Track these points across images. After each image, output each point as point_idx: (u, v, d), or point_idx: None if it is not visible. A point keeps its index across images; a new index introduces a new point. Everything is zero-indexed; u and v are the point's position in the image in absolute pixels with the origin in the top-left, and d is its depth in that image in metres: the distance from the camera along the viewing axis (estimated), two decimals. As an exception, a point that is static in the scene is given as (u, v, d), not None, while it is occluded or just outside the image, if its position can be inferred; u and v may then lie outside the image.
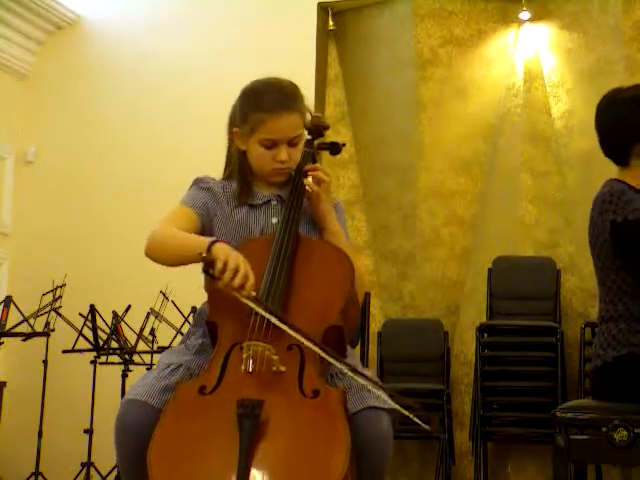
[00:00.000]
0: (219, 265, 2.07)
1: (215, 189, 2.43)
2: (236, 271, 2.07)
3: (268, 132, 2.32)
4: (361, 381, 2.07)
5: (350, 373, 2.07)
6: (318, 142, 2.61)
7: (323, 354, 2.05)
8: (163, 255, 2.27)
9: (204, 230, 2.38)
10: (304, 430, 1.93)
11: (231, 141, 2.47)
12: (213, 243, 2.13)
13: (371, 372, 2.28)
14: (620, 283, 2.77)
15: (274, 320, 2.07)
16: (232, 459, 1.85)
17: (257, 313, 2.11)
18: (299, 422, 1.95)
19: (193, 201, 2.40)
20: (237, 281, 2.06)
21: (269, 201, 2.43)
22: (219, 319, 2.17)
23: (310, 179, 2.39)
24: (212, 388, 2.02)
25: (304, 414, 1.96)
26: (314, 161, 2.55)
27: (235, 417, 1.91)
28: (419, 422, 1.98)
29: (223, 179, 2.49)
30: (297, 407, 1.97)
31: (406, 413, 1.99)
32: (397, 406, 2.02)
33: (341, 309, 2.17)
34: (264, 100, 2.32)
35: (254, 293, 2.09)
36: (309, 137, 2.51)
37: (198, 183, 2.46)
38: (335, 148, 2.67)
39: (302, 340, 2.05)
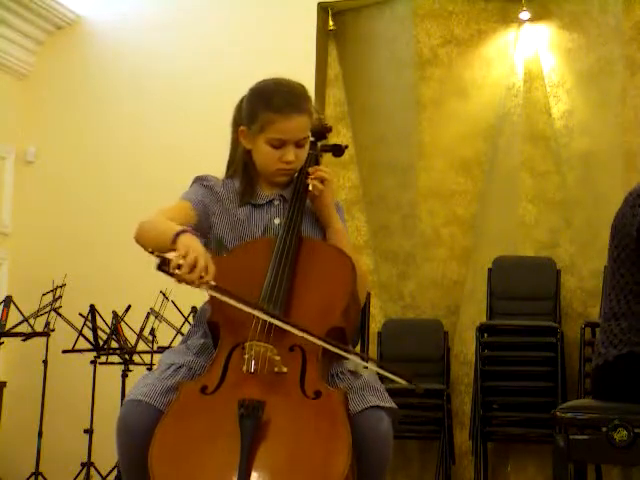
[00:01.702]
0: (174, 262, 2.02)
1: (216, 188, 2.43)
2: (194, 266, 2.02)
3: (278, 132, 2.32)
4: (357, 360, 2.09)
5: (350, 356, 2.08)
6: (321, 144, 2.62)
7: (327, 345, 2.05)
8: (143, 241, 2.24)
9: (201, 226, 2.36)
10: (305, 431, 1.94)
11: (236, 140, 2.46)
12: (178, 235, 2.10)
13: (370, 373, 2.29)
14: (629, 279, 2.75)
15: (273, 320, 2.07)
16: (233, 459, 1.86)
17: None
18: (300, 423, 1.95)
19: (191, 196, 2.39)
20: (193, 275, 2.02)
21: (272, 201, 2.42)
22: (221, 319, 2.16)
23: (315, 180, 2.39)
24: (214, 388, 2.03)
25: (305, 415, 1.97)
26: (317, 163, 2.56)
27: (236, 417, 1.91)
28: (401, 380, 2.01)
29: (225, 178, 2.49)
30: (298, 408, 1.98)
31: (388, 374, 2.03)
32: (381, 370, 2.04)
33: (343, 310, 2.17)
34: (275, 100, 2.32)
35: (213, 282, 2.06)
36: (312, 139, 2.52)
37: (199, 181, 2.45)
38: (338, 150, 2.68)
39: (304, 335, 2.05)
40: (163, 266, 2.04)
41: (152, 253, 2.09)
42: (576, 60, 5.97)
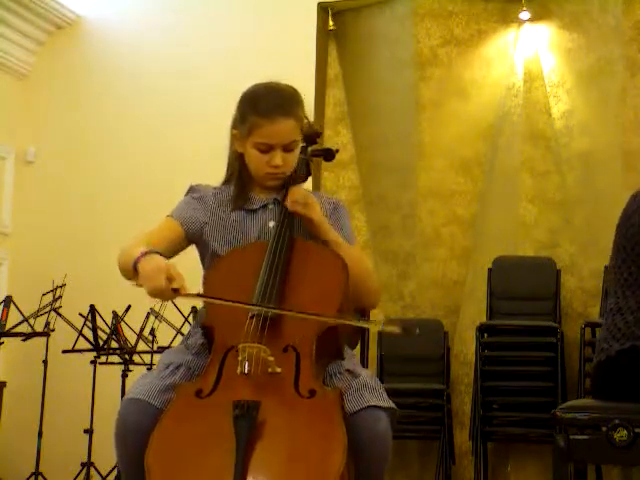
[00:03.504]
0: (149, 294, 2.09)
1: (207, 197, 2.44)
2: (154, 287, 2.06)
3: (263, 136, 2.33)
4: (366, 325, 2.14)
5: (359, 324, 2.13)
6: (312, 149, 2.62)
7: (332, 320, 2.09)
8: (121, 271, 2.28)
9: (193, 239, 2.40)
10: (300, 430, 1.94)
11: (232, 143, 2.47)
12: (135, 265, 2.13)
13: (370, 372, 2.29)
14: (637, 275, 2.74)
15: (270, 309, 2.09)
16: (229, 460, 1.86)
17: (252, 316, 2.12)
18: (295, 422, 1.96)
19: (178, 212, 2.41)
20: (165, 294, 2.07)
21: (266, 205, 2.43)
22: (215, 323, 2.17)
23: (297, 208, 2.35)
24: (209, 391, 2.03)
25: (300, 414, 1.97)
26: (308, 167, 2.56)
27: (232, 419, 1.91)
28: (402, 331, 2.02)
29: (223, 183, 2.49)
30: (293, 407, 1.98)
31: (392, 329, 2.03)
32: (384, 327, 2.07)
33: (337, 310, 2.17)
34: (261, 104, 2.33)
35: (189, 291, 2.09)
36: (303, 144, 2.51)
37: (190, 192, 2.47)
38: (329, 154, 2.68)
39: (307, 317, 2.07)
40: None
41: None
42: (576, 60, 5.97)
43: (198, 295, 2.15)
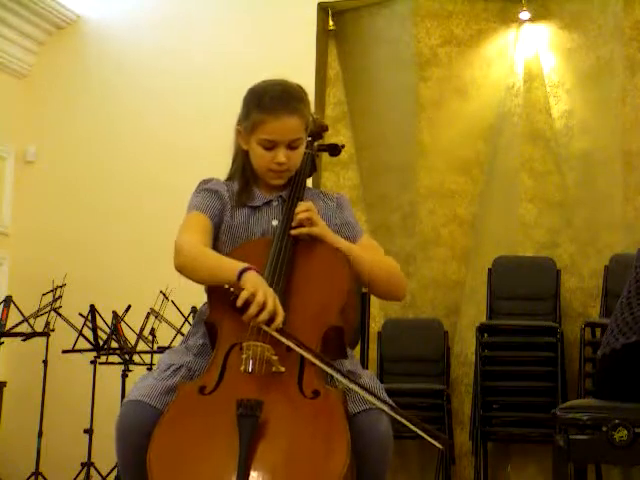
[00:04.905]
0: (244, 294, 2.03)
1: (221, 191, 2.40)
2: (263, 305, 2.03)
3: (267, 132, 2.30)
4: (365, 396, 2.06)
5: (354, 387, 2.06)
6: (317, 144, 2.61)
7: (336, 375, 2.05)
8: (194, 275, 2.21)
9: (215, 234, 2.36)
10: (304, 430, 1.93)
11: (236, 140, 2.45)
12: (243, 272, 2.09)
13: (371, 372, 2.29)
14: None
15: (297, 349, 2.04)
16: (232, 460, 1.85)
17: None
18: (299, 422, 1.95)
19: (206, 207, 2.35)
20: (263, 316, 2.02)
21: (270, 202, 2.40)
22: (219, 320, 2.16)
23: (299, 229, 2.29)
24: (212, 389, 2.02)
25: (304, 414, 1.96)
26: (314, 162, 2.55)
27: (235, 417, 1.91)
28: (429, 439, 1.99)
29: (227, 179, 2.47)
30: (297, 407, 1.98)
31: (414, 428, 1.99)
32: (403, 420, 2.01)
33: (340, 309, 2.17)
34: (265, 100, 2.30)
35: (282, 326, 2.06)
36: (309, 139, 2.50)
37: (205, 186, 2.42)
38: (335, 149, 2.68)
39: (316, 362, 2.04)
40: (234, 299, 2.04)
41: (229, 289, 2.08)
42: (576, 60, 5.97)
43: (281, 331, 2.05)
